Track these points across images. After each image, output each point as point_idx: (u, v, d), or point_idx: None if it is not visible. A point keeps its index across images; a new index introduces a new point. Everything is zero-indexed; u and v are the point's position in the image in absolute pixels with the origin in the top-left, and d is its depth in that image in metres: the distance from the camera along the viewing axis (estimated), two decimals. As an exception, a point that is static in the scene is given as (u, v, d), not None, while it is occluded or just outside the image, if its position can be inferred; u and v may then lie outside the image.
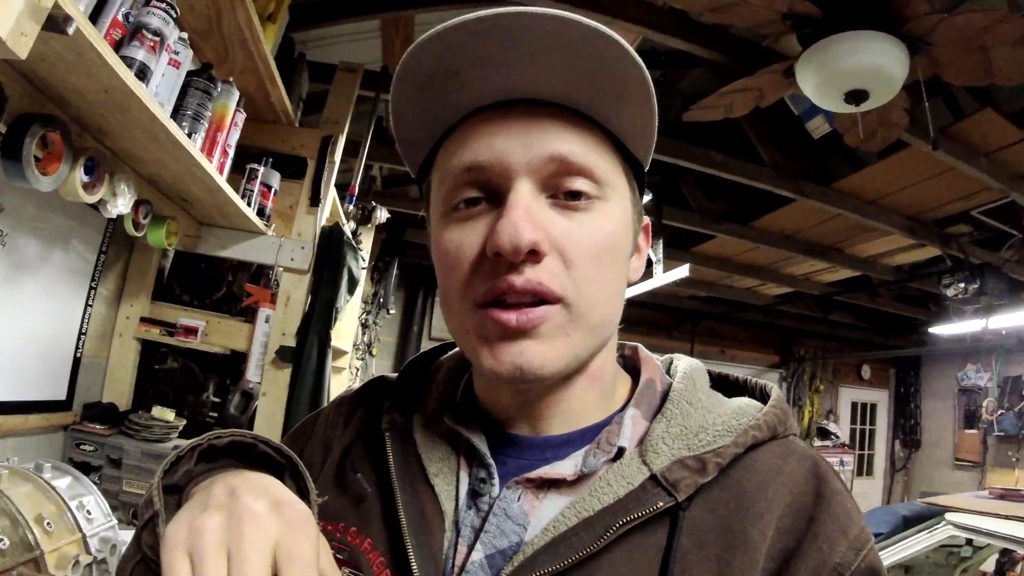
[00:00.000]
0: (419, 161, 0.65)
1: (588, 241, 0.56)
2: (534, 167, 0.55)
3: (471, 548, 0.57)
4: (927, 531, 3.40)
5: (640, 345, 0.74)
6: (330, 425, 0.76)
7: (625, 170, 0.61)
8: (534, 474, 0.59)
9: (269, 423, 2.23)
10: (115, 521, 1.27)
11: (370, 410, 0.73)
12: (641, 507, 0.54)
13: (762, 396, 0.67)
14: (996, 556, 4.45)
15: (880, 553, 2.70)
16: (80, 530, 1.21)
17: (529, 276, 0.54)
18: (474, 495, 0.60)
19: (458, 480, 0.62)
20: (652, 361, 0.71)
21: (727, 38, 2.72)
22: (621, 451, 0.59)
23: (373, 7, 2.69)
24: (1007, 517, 3.23)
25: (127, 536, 1.40)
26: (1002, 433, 6.99)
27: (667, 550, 0.53)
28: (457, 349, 0.76)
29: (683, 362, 0.71)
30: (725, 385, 0.72)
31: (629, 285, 0.65)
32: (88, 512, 1.22)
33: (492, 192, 0.57)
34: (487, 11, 0.50)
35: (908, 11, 2.10)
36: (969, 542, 3.52)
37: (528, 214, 0.53)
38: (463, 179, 0.57)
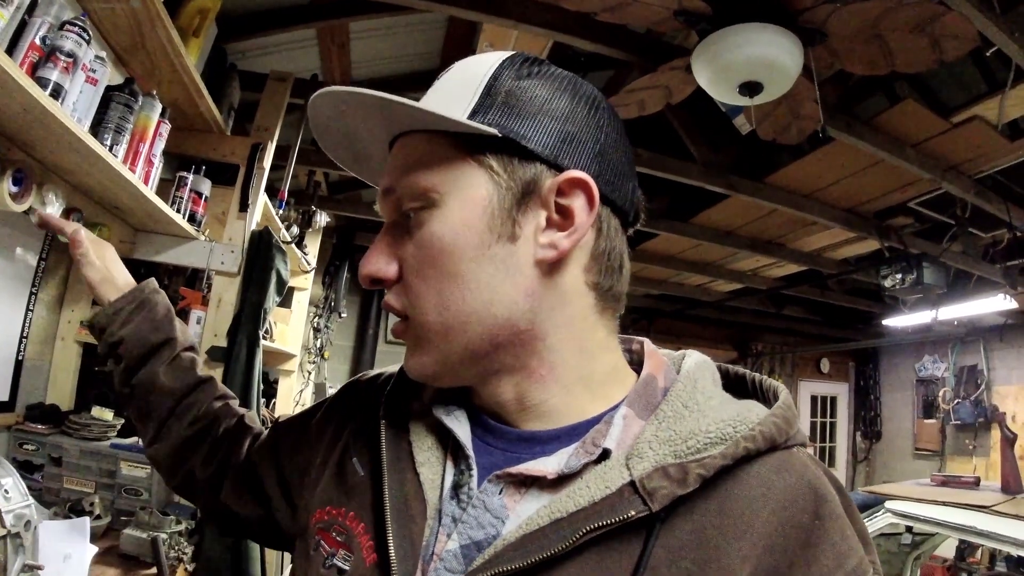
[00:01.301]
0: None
1: (416, 256, 0.62)
2: (383, 205, 0.67)
3: (449, 536, 0.59)
4: (867, 519, 3.41)
5: (647, 340, 0.73)
6: (336, 410, 0.82)
7: (470, 154, 0.61)
8: (516, 469, 0.59)
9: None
10: (32, 501, 1.38)
11: (373, 400, 0.75)
12: (613, 514, 0.53)
13: (774, 399, 0.63)
14: (956, 543, 4.55)
15: None
16: (-3, 507, 1.32)
17: (385, 299, 0.66)
18: (456, 486, 0.62)
19: (444, 470, 0.64)
20: (657, 357, 0.69)
21: (634, 37, 2.79)
22: (607, 453, 0.58)
23: (306, 17, 2.77)
24: (944, 503, 3.26)
25: (47, 521, 1.51)
26: (959, 422, 7.06)
27: (639, 560, 0.52)
28: None
29: (691, 359, 0.69)
30: (742, 386, 0.70)
31: (547, 260, 0.61)
32: (6, 491, 1.33)
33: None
34: (310, 100, 0.65)
35: (798, 3, 2.14)
36: (909, 529, 3.55)
37: (374, 250, 0.65)
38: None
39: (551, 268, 0.62)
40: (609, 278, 0.66)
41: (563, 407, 0.63)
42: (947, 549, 4.70)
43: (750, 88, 2.24)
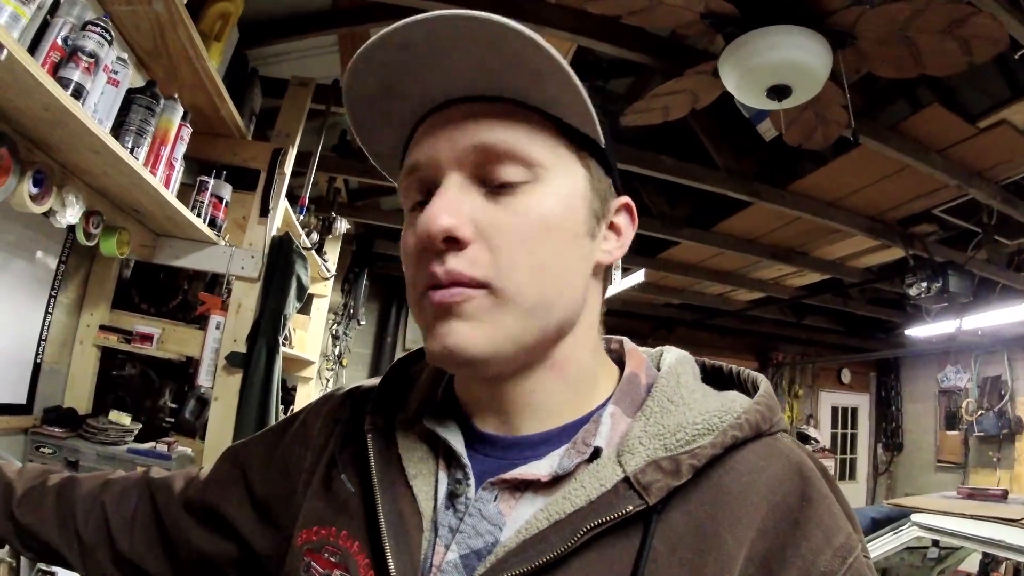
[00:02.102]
0: (395, 169, 0.67)
1: (517, 224, 0.57)
2: (460, 160, 0.58)
3: (447, 548, 0.58)
4: (892, 533, 3.36)
5: (626, 339, 0.73)
6: (310, 426, 0.77)
7: (573, 148, 0.61)
8: (509, 475, 0.59)
9: (222, 426, 2.31)
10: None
11: (356, 412, 0.73)
12: (611, 510, 0.53)
13: (754, 389, 0.64)
14: (980, 556, 4.47)
15: None
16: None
17: (450, 266, 0.55)
18: (452, 496, 0.61)
19: (437, 481, 0.63)
20: (638, 354, 0.70)
21: (658, 41, 2.76)
22: (597, 451, 0.58)
23: (327, 23, 2.77)
24: (972, 517, 3.19)
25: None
26: (983, 433, 6.98)
27: (639, 554, 0.53)
28: None
29: (671, 355, 0.70)
30: (719, 377, 0.71)
31: (603, 267, 0.66)
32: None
33: (431, 191, 0.59)
34: (390, 27, 0.54)
35: (827, 5, 2.11)
36: (935, 543, 3.48)
37: (447, 202, 0.56)
38: (408, 182, 0.61)
39: (596, 271, 0.65)
40: (607, 287, 0.70)
41: (561, 406, 0.63)
42: (971, 563, 4.61)
43: (779, 92, 2.20)
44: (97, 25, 1.45)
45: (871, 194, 3.95)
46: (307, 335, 3.78)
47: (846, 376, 8.55)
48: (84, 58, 1.43)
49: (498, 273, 0.56)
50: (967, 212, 4.18)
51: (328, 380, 4.94)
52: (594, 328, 0.67)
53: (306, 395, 3.88)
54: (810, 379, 8.34)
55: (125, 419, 2.20)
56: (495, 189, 0.58)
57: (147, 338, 2.30)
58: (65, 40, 1.42)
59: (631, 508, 0.53)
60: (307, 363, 3.70)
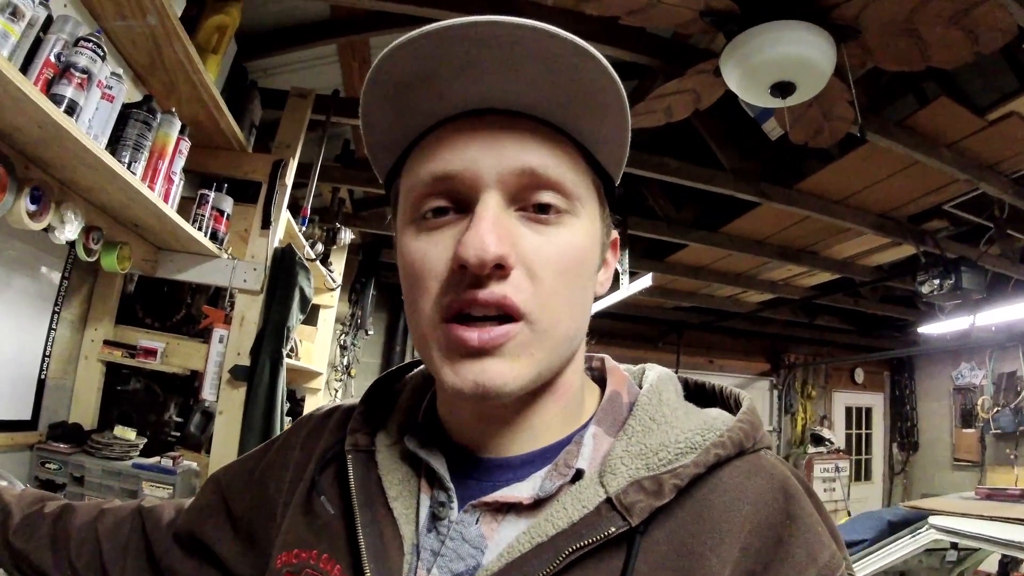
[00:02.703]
0: (388, 166, 0.64)
1: (556, 256, 0.56)
2: (504, 179, 0.54)
3: (429, 571, 0.57)
4: (910, 536, 3.32)
5: (607, 357, 0.72)
6: (290, 447, 0.77)
7: (596, 184, 0.61)
8: (490, 497, 0.58)
9: (226, 440, 2.30)
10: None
11: (336, 432, 0.72)
12: (594, 532, 0.53)
13: (737, 406, 0.64)
14: (999, 557, 4.42)
15: (864, 560, 2.63)
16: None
17: (494, 289, 0.53)
18: (435, 518, 0.60)
19: (418, 503, 0.62)
20: (619, 372, 0.69)
21: (657, 41, 2.73)
22: (580, 473, 0.58)
23: (326, 33, 2.77)
24: (991, 518, 3.15)
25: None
26: (999, 431, 6.91)
27: (622, 575, 0.52)
28: (422, 367, 0.76)
29: (652, 373, 0.69)
30: (702, 394, 0.70)
31: (596, 299, 0.65)
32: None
33: (460, 202, 0.56)
34: (463, 19, 0.50)
35: (828, -2, 2.06)
36: (954, 545, 3.43)
37: (495, 226, 0.53)
38: (432, 188, 0.56)
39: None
40: None
41: (543, 429, 0.62)
42: (990, 564, 4.55)
43: (782, 89, 2.16)
44: (89, 41, 1.45)
45: (880, 191, 3.91)
46: (314, 346, 3.78)
47: (859, 376, 8.47)
48: (77, 74, 1.42)
49: (539, 305, 0.55)
50: (978, 207, 4.12)
51: (337, 391, 4.94)
52: (583, 351, 0.66)
53: (314, 406, 3.83)
54: (823, 380, 8.27)
55: (130, 434, 2.19)
56: (531, 214, 0.56)
57: (151, 353, 2.30)
58: (58, 57, 1.42)
59: (614, 530, 0.53)
60: (315, 374, 3.69)
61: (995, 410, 6.99)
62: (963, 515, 3.28)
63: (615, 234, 0.68)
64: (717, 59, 2.32)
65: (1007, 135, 3.17)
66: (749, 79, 2.20)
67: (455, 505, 0.59)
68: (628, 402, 0.65)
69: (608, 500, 0.54)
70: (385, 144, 0.62)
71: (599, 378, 0.70)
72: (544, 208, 0.56)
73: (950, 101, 3.01)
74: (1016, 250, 4.60)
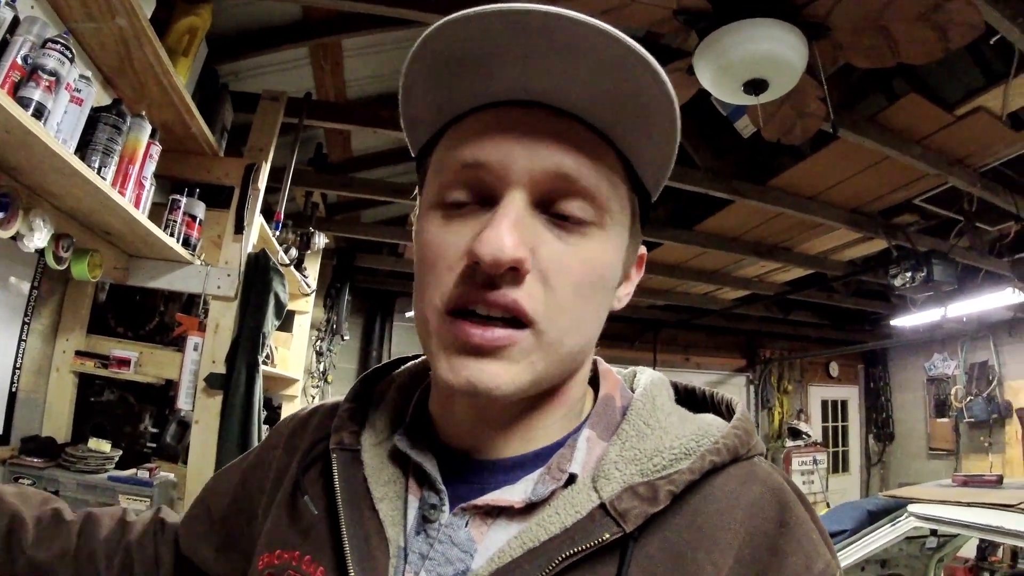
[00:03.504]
0: (422, 142, 0.62)
1: (576, 269, 0.54)
2: (535, 178, 0.53)
3: (416, 575, 0.56)
4: (890, 524, 3.36)
5: (599, 359, 0.70)
6: (272, 447, 0.76)
7: (631, 198, 0.59)
8: (481, 500, 0.57)
9: (203, 450, 2.26)
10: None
11: (320, 431, 0.70)
12: (587, 538, 0.52)
13: (729, 412, 0.64)
14: (976, 541, 4.50)
15: (846, 550, 2.65)
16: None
17: (506, 292, 0.52)
18: (425, 520, 0.58)
19: (406, 504, 0.60)
20: (611, 376, 0.68)
21: (638, 41, 2.75)
22: (573, 477, 0.57)
23: (298, 36, 2.73)
24: (969, 504, 3.22)
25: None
26: (973, 419, 7.02)
27: None
28: (409, 364, 0.75)
29: (645, 376, 0.68)
30: (692, 400, 0.69)
31: (612, 312, 0.63)
32: None
33: (485, 194, 0.54)
34: (526, 4, 0.48)
35: (799, -4, 2.07)
36: (934, 532, 3.50)
37: (516, 227, 0.51)
38: (460, 174, 0.55)
39: None
40: None
41: (546, 432, 0.61)
42: (968, 549, 4.65)
43: (755, 86, 2.17)
44: (57, 43, 1.42)
45: (851, 186, 3.96)
46: (290, 353, 3.73)
47: (834, 369, 8.57)
48: (45, 76, 1.39)
49: (548, 314, 0.53)
50: (947, 200, 4.19)
51: (314, 397, 4.88)
52: (590, 363, 0.66)
53: (286, 412, 3.82)
54: (798, 374, 8.34)
55: (105, 446, 2.14)
56: (559, 223, 0.54)
57: (124, 362, 2.25)
58: (25, 59, 1.39)
59: (607, 536, 0.52)
60: (291, 381, 3.65)
61: (968, 399, 7.11)
62: (942, 502, 3.32)
63: (643, 249, 0.67)
64: (690, 58, 2.32)
65: (975, 130, 3.22)
66: (722, 77, 2.20)
67: (447, 508, 0.58)
68: (621, 406, 0.64)
69: (602, 506, 0.53)
70: (423, 119, 0.60)
71: (591, 380, 0.68)
72: (573, 217, 0.54)
73: (919, 97, 3.05)
74: (985, 242, 4.69)
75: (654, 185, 0.61)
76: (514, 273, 0.51)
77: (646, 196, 0.62)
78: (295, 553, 0.61)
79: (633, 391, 0.66)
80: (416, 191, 0.65)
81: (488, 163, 0.53)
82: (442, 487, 0.59)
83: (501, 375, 0.52)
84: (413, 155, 0.65)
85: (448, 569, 0.55)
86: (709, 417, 0.62)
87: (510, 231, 0.50)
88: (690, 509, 0.54)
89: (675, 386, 0.70)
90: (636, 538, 0.52)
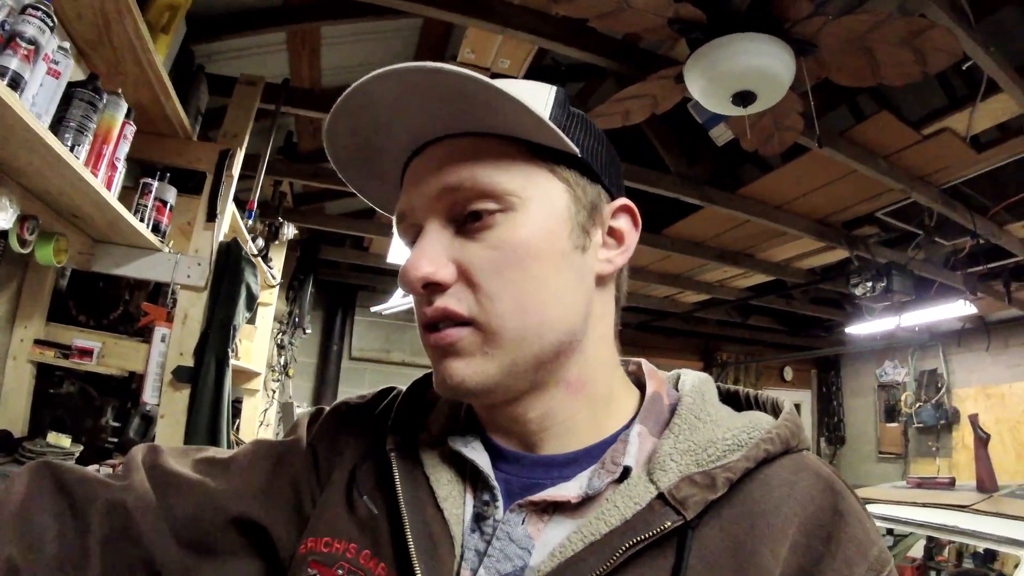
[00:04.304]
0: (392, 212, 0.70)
1: (490, 258, 0.58)
2: (433, 205, 0.60)
3: (475, 572, 0.56)
4: (846, 524, 3.48)
5: (644, 360, 0.73)
6: (338, 432, 0.73)
7: (547, 166, 0.61)
8: (538, 497, 0.58)
9: (169, 445, 2.16)
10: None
11: (374, 428, 0.71)
12: (649, 528, 0.53)
13: (774, 410, 0.65)
14: (924, 542, 4.64)
15: None
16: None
17: (437, 304, 0.58)
18: (479, 518, 0.60)
19: (464, 503, 0.62)
20: (658, 375, 0.70)
21: (623, 47, 2.75)
22: (627, 471, 0.58)
23: (277, 20, 2.66)
24: (923, 504, 3.32)
25: None
26: (921, 424, 7.29)
27: (675, 571, 0.52)
28: None
29: (691, 376, 0.70)
30: (735, 400, 0.71)
31: (607, 277, 0.65)
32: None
33: (417, 234, 0.61)
34: (352, 86, 0.56)
35: (791, 14, 2.14)
36: (890, 531, 3.59)
37: (424, 250, 0.58)
38: (401, 228, 0.65)
39: (600, 282, 0.65)
40: (623, 294, 0.71)
41: (584, 425, 0.63)
42: (916, 549, 4.79)
43: (744, 98, 2.23)
44: (38, 9, 1.33)
45: (818, 197, 4.07)
46: (253, 345, 3.62)
47: (789, 374, 8.77)
48: (23, 45, 1.30)
49: (481, 309, 0.57)
50: (907, 215, 4.34)
51: (274, 391, 4.76)
52: (607, 341, 0.66)
53: (253, 408, 3.72)
54: (754, 378, 8.51)
55: (65, 441, 2.03)
56: (469, 226, 0.59)
57: (87, 353, 2.14)
58: (2, 25, 1.29)
59: (668, 524, 0.53)
60: (254, 374, 3.54)
61: (917, 405, 7.38)
62: (898, 503, 3.44)
63: (622, 201, 0.67)
64: (679, 66, 2.37)
65: (939, 149, 3.36)
66: (713, 87, 2.26)
67: (500, 504, 0.59)
68: (669, 404, 0.65)
69: (660, 496, 0.54)
70: (387, 200, 0.70)
71: (637, 382, 0.70)
72: (476, 215, 0.58)
73: (890, 115, 3.17)
74: (941, 256, 4.84)
75: (561, 144, 0.61)
76: (439, 287, 0.58)
77: (574, 158, 0.62)
78: (350, 545, 0.61)
79: (677, 390, 0.67)
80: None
81: (405, 211, 0.63)
82: (495, 484, 0.60)
83: (461, 369, 0.58)
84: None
85: (507, 565, 0.56)
86: (756, 413, 0.63)
87: (418, 256, 0.58)
88: (746, 498, 0.55)
89: (718, 387, 0.71)
90: (694, 527, 0.53)
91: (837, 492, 0.57)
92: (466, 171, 0.59)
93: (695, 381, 0.68)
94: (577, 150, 0.62)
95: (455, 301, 0.58)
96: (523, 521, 0.58)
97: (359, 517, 0.63)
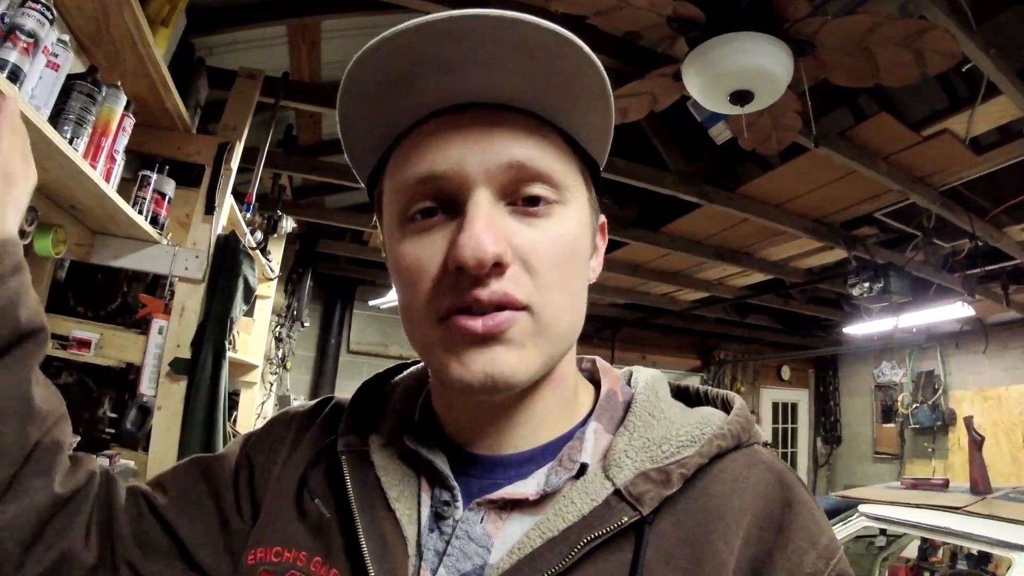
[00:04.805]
0: (369, 168, 0.64)
1: (551, 248, 0.56)
2: (492, 175, 0.54)
3: (434, 572, 0.56)
4: (841, 523, 3.46)
5: (598, 358, 0.73)
6: (278, 440, 0.73)
7: (582, 170, 0.61)
8: (496, 495, 0.58)
9: (166, 437, 2.17)
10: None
11: (325, 431, 0.71)
12: (606, 523, 0.53)
13: (724, 406, 0.66)
14: (918, 542, 4.66)
15: None
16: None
17: (495, 288, 0.53)
18: (438, 518, 0.59)
19: (419, 503, 0.61)
20: (612, 372, 0.71)
21: (623, 44, 2.75)
22: (584, 467, 0.58)
23: (277, 13, 2.66)
24: (916, 505, 3.33)
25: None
26: (918, 425, 7.32)
27: (633, 566, 0.52)
28: (412, 369, 0.76)
29: (644, 373, 0.70)
30: (686, 397, 0.71)
31: (591, 282, 0.66)
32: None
33: (448, 202, 0.55)
34: (439, 14, 0.49)
35: (790, 14, 2.14)
36: (883, 532, 3.64)
37: (490, 225, 0.52)
38: (418, 190, 0.56)
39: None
40: None
41: (544, 421, 0.62)
42: (911, 550, 4.83)
43: (741, 97, 2.22)
44: (38, 2, 1.33)
45: (817, 197, 4.05)
46: (251, 338, 3.63)
47: (786, 373, 8.78)
48: (23, 38, 1.31)
49: (540, 296, 0.55)
50: (906, 216, 4.34)
51: (272, 384, 4.77)
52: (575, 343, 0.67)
53: (250, 400, 3.73)
54: (751, 376, 8.53)
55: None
56: (522, 208, 0.56)
57: (84, 344, 2.14)
58: (2, 17, 1.30)
59: (625, 520, 0.53)
60: (251, 367, 3.56)
61: (914, 406, 7.40)
62: (891, 503, 3.45)
63: (603, 218, 0.68)
64: (677, 64, 2.36)
65: (939, 151, 3.35)
66: (711, 86, 2.25)
67: (460, 503, 0.59)
68: (624, 400, 0.66)
69: (617, 492, 0.55)
70: (366, 147, 0.61)
71: (591, 378, 0.71)
72: (534, 200, 0.56)
73: (890, 117, 3.15)
74: (939, 257, 4.84)
75: (600, 153, 0.63)
76: (498, 268, 0.53)
77: (595, 165, 0.64)
78: (300, 553, 0.61)
79: (631, 387, 0.68)
80: (375, 219, 0.66)
81: (445, 172, 0.54)
82: (454, 483, 0.60)
83: (514, 363, 0.54)
84: (363, 185, 0.66)
85: (467, 564, 0.56)
86: (708, 410, 0.64)
87: (485, 229, 0.52)
88: (700, 492, 0.56)
89: (668, 384, 0.72)
90: (650, 522, 0.54)
91: (787, 485, 0.58)
92: (535, 150, 0.55)
93: (648, 378, 0.69)
94: (603, 163, 0.64)
95: (513, 285, 0.53)
96: (482, 519, 0.58)
97: (310, 522, 0.63)
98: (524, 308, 0.54)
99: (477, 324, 0.53)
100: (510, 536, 0.57)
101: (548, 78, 0.54)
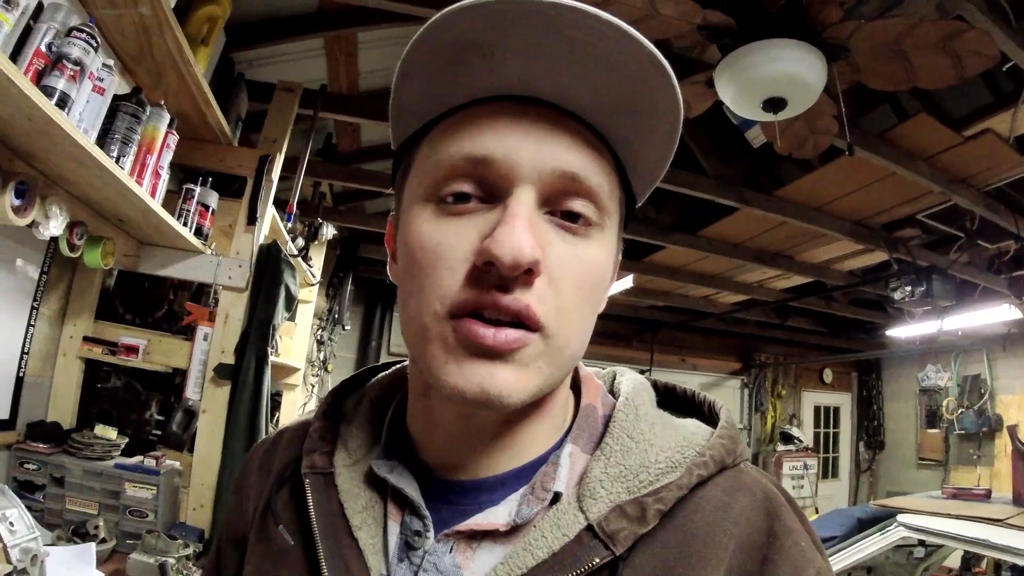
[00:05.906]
0: (408, 133, 0.59)
1: (579, 271, 0.52)
2: (543, 177, 0.50)
3: None
4: (879, 533, 3.42)
5: (580, 363, 0.66)
6: (247, 473, 0.72)
7: (621, 201, 0.57)
8: (464, 526, 0.54)
9: (210, 439, 2.26)
10: (38, 534, 1.32)
11: (291, 451, 0.67)
12: (576, 564, 0.50)
13: (711, 413, 0.63)
14: (961, 553, 4.55)
15: (835, 556, 2.71)
16: (1, 540, 1.25)
17: (518, 296, 0.49)
18: (408, 548, 0.56)
19: (386, 531, 0.58)
20: (592, 381, 0.65)
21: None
22: (557, 496, 0.55)
23: (313, 27, 2.73)
24: (957, 517, 3.27)
25: (52, 548, 1.44)
26: (963, 431, 7.12)
27: None
28: (381, 376, 0.72)
29: (626, 381, 0.66)
30: (673, 398, 0.68)
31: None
32: (11, 524, 1.26)
33: (489, 191, 0.51)
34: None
35: (823, 19, 2.11)
36: (922, 543, 3.56)
37: (529, 227, 0.48)
38: (461, 169, 0.51)
39: None
40: None
41: (531, 444, 0.58)
42: (953, 559, 4.71)
43: (774, 104, 2.20)
44: (83, 31, 1.41)
45: (857, 199, 4.00)
46: (293, 341, 3.73)
47: (828, 376, 8.64)
48: (69, 66, 1.39)
49: (555, 317, 0.50)
50: (949, 217, 4.24)
51: (314, 386, 4.88)
52: None
53: (292, 402, 3.83)
54: (793, 379, 8.42)
55: (111, 433, 2.14)
56: (563, 223, 0.52)
57: (133, 350, 2.25)
58: (49, 47, 1.38)
59: (598, 561, 0.50)
60: (293, 370, 3.65)
61: (959, 411, 7.19)
62: (931, 514, 3.39)
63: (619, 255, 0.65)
64: (710, 71, 2.35)
65: (981, 150, 3.28)
66: (743, 93, 2.24)
67: (431, 534, 0.55)
68: (603, 415, 0.62)
69: (589, 528, 0.52)
70: (415, 108, 0.56)
71: (572, 385, 0.65)
72: (574, 217, 0.52)
73: (930, 117, 3.09)
74: (984, 259, 4.73)
75: (643, 190, 0.60)
76: (527, 276, 0.49)
77: (633, 202, 0.61)
78: None
79: (614, 395, 0.64)
80: (392, 186, 0.62)
81: (495, 158, 0.50)
82: (426, 513, 0.56)
83: (512, 383, 0.49)
84: (394, 147, 0.61)
85: None
86: (692, 425, 0.60)
87: (526, 230, 0.48)
88: (679, 523, 0.53)
89: (655, 384, 0.68)
90: (625, 558, 0.51)
91: (772, 512, 0.55)
92: (591, 166, 0.52)
93: (629, 389, 0.63)
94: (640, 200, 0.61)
95: (537, 300, 0.49)
96: (451, 550, 0.55)
97: (277, 551, 0.60)
98: (538, 330, 0.50)
99: (488, 336, 0.48)
100: (480, 568, 0.53)
101: (625, 97, 0.51)
